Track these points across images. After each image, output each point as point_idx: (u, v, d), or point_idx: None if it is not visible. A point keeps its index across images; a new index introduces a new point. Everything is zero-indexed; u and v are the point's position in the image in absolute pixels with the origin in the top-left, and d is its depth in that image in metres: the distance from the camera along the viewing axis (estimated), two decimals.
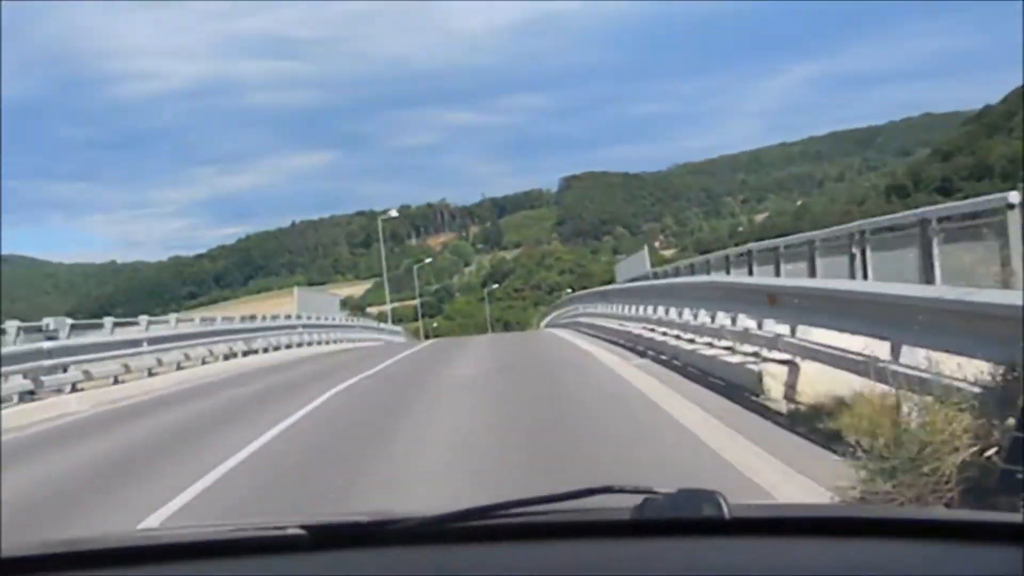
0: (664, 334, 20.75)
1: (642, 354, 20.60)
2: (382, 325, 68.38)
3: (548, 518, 1.86)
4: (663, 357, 18.91)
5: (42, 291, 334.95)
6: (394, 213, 69.01)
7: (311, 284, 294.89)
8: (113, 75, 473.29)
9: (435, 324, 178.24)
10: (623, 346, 23.84)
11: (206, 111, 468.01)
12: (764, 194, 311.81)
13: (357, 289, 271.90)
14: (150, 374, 23.63)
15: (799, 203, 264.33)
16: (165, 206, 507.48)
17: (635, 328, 24.61)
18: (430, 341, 53.98)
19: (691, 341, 18.09)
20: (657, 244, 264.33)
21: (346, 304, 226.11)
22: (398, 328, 78.45)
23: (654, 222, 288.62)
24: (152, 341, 24.07)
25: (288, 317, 40.62)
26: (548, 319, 69.54)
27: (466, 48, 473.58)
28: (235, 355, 30.41)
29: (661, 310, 22.28)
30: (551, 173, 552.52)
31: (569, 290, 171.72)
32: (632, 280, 40.58)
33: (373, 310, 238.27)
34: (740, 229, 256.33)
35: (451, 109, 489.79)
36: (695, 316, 18.57)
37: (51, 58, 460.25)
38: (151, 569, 1.72)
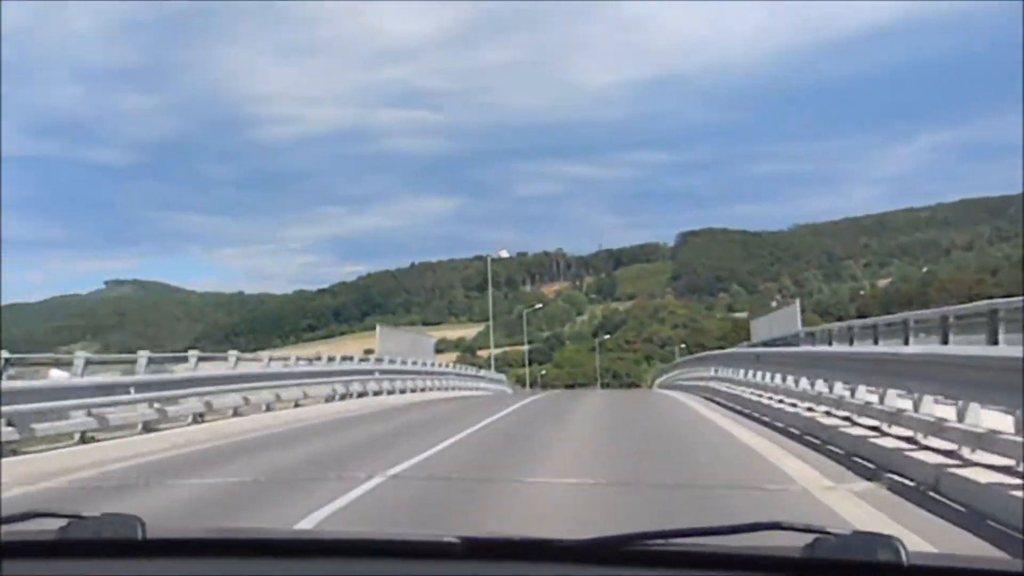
0: (849, 420, 15.12)
1: (817, 447, 14.60)
2: (482, 372, 66.60)
3: (712, 550, 1.79)
4: (838, 450, 13.80)
5: (174, 317, 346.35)
6: (505, 254, 67.12)
7: (425, 324, 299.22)
8: (258, 118, 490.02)
9: (543, 371, 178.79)
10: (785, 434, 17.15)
11: (341, 155, 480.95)
12: (887, 259, 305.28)
13: (470, 332, 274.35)
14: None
15: (925, 270, 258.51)
16: (295, 242, 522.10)
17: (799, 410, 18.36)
18: (534, 395, 47.75)
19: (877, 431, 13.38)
20: (774, 304, 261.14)
21: (458, 346, 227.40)
22: (501, 376, 76.36)
23: (771, 281, 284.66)
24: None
25: (367, 360, 38.18)
26: (663, 378, 64.57)
27: (591, 103, 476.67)
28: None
29: (837, 386, 16.71)
30: (668, 228, 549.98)
31: (683, 345, 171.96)
32: (774, 342, 36.56)
33: (483, 353, 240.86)
34: (862, 293, 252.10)
35: (573, 162, 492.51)
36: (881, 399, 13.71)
37: (201, 100, 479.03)
38: (304, 565, 1.77)
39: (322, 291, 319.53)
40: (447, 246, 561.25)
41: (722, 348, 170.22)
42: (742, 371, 26.99)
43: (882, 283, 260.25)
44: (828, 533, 1.69)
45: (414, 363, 41.62)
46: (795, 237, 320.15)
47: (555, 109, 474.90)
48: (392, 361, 38.66)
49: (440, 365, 57.26)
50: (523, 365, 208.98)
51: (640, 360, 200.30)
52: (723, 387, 29.01)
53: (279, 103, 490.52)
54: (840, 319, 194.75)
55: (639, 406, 30.32)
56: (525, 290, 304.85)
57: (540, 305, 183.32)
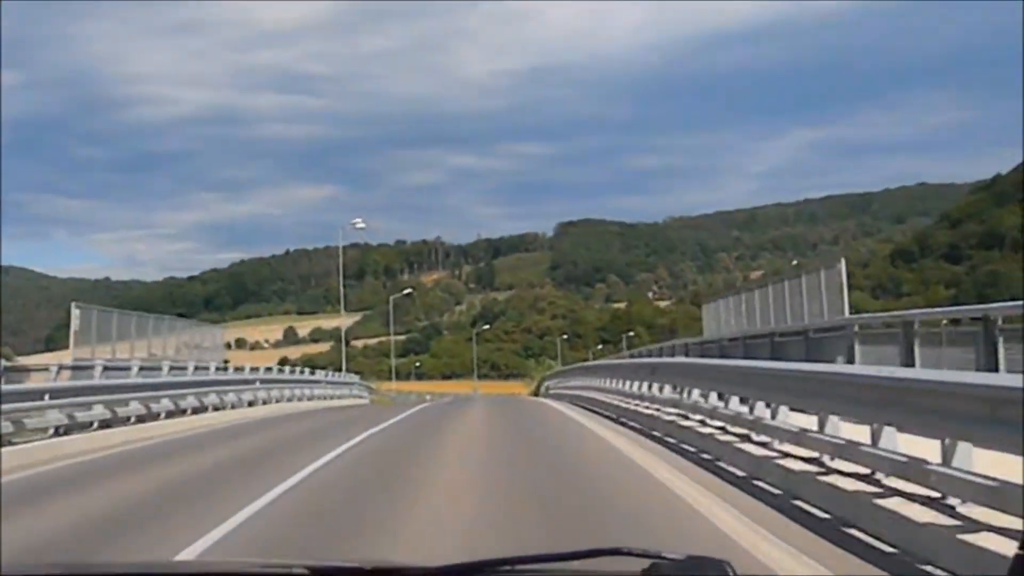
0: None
1: None
2: (330, 376, 51.83)
3: (556, 575, 1.83)
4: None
5: (34, 304, 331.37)
6: (361, 224, 58.20)
7: (300, 313, 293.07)
8: (129, 99, 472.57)
9: (418, 363, 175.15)
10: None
11: (214, 139, 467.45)
12: (758, 252, 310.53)
13: (346, 320, 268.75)
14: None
15: (794, 263, 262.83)
16: (166, 228, 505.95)
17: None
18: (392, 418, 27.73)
19: None
20: (651, 295, 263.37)
21: (333, 336, 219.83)
22: (353, 378, 60.05)
23: (647, 272, 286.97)
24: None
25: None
26: (550, 383, 52.90)
27: (472, 92, 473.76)
28: None
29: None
30: (548, 219, 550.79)
31: (564, 337, 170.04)
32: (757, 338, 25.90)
33: (358, 343, 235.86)
34: (736, 285, 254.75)
35: (454, 151, 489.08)
36: None
37: (68, 78, 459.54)
38: None
39: (192, 278, 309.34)
40: (325, 235, 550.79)
41: (602, 339, 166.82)
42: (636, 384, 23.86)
43: (754, 275, 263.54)
44: (664, 558, 1.74)
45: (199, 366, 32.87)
46: (670, 229, 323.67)
47: (436, 98, 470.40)
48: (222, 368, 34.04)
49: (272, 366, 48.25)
50: (403, 355, 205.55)
51: (519, 351, 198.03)
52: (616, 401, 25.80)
53: (151, 83, 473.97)
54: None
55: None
56: (403, 279, 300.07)
57: (410, 290, 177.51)
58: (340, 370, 60.24)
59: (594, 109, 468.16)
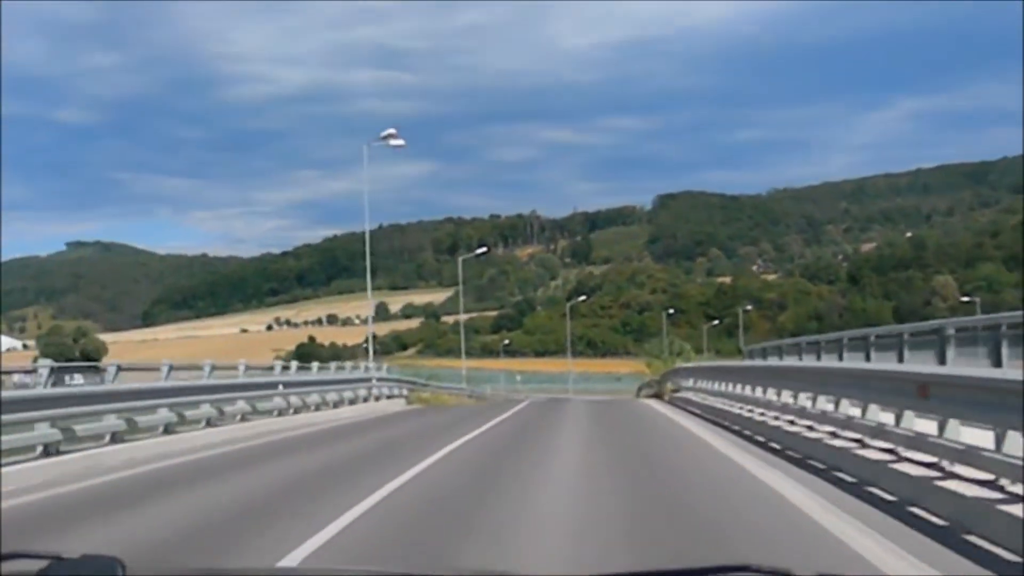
0: None
1: None
2: (347, 368, 34.39)
3: None
4: None
5: (132, 280, 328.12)
6: (396, 140, 41.71)
7: (393, 288, 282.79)
8: (226, 78, 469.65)
9: (506, 341, 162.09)
10: None
11: (312, 117, 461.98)
12: (868, 224, 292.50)
13: (438, 296, 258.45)
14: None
15: (908, 235, 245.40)
16: (264, 206, 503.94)
17: None
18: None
19: None
20: (755, 268, 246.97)
21: (426, 312, 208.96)
22: (389, 374, 39.70)
23: (751, 246, 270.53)
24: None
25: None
26: (684, 382, 35.88)
27: (568, 66, 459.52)
28: None
29: None
30: (645, 194, 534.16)
31: (670, 311, 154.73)
32: None
33: (449, 319, 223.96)
34: (840, 257, 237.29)
35: (550, 126, 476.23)
36: None
37: (168, 58, 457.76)
38: None
39: (286, 254, 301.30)
40: (419, 210, 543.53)
41: (706, 315, 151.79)
42: None
43: (865, 247, 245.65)
44: (793, 574, 1.68)
45: None
46: (774, 202, 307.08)
47: (531, 72, 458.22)
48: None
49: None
50: (491, 332, 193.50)
51: (616, 327, 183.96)
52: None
53: (248, 62, 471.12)
54: (831, 283, 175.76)
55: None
56: (498, 253, 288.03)
57: (483, 249, 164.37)
58: (371, 354, 43.33)
59: (690, 82, 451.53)
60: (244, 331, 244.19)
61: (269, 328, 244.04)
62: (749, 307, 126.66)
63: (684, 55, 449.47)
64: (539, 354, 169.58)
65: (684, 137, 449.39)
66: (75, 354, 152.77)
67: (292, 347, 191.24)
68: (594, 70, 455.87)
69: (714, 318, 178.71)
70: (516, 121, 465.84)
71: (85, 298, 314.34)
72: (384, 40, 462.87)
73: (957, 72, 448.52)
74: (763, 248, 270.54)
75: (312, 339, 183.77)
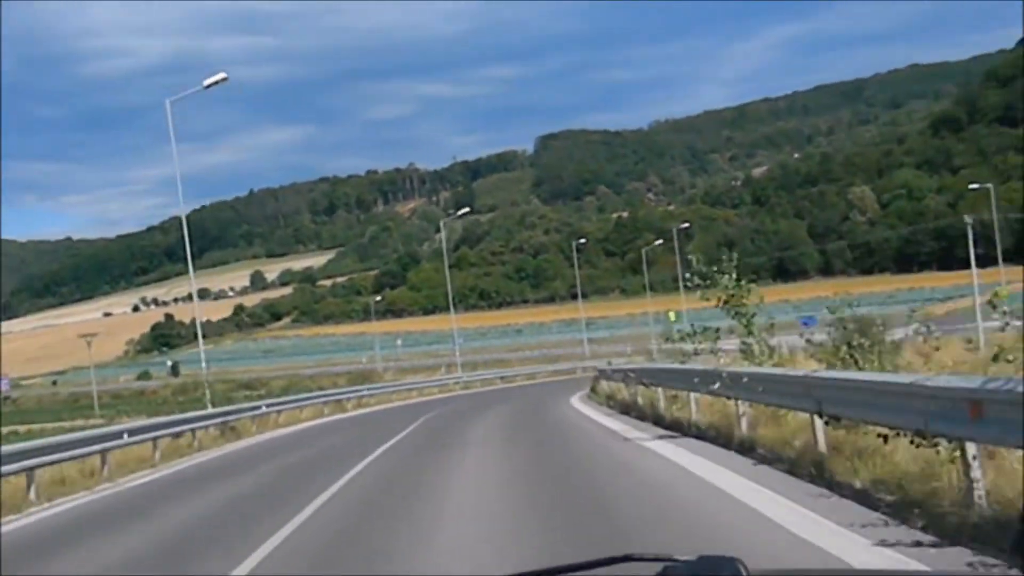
0: None
1: None
2: None
3: None
4: None
5: None
6: (217, 78, 17.21)
7: (269, 256, 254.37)
8: (84, 53, 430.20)
9: (378, 298, 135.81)
10: None
11: (177, 88, 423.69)
12: (752, 150, 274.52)
13: (319, 260, 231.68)
14: None
15: (796, 156, 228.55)
16: (139, 184, 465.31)
17: None
18: None
19: None
20: (648, 201, 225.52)
21: (306, 278, 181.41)
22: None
23: (638, 181, 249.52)
24: None
25: None
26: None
27: (438, 18, 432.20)
28: None
29: None
30: (527, 142, 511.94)
31: (581, 242, 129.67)
32: None
33: (327, 282, 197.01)
34: (738, 183, 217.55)
35: (424, 80, 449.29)
36: None
37: (22, 37, 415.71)
38: None
39: (151, 229, 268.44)
40: (295, 175, 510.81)
41: (607, 250, 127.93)
42: None
43: (757, 172, 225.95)
44: (676, 560, 1.68)
45: None
46: (656, 135, 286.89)
47: (400, 26, 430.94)
48: None
49: None
50: (373, 291, 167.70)
51: (510, 274, 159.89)
52: None
53: (104, 36, 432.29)
54: (735, 207, 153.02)
55: None
56: (378, 211, 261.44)
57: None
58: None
59: (561, 26, 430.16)
60: (107, 315, 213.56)
61: (136, 309, 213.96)
62: (659, 240, 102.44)
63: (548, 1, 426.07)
64: (427, 312, 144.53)
65: (561, 81, 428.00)
66: None
67: (148, 329, 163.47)
68: (463, 20, 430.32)
69: (614, 254, 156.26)
70: (389, 78, 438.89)
71: None
72: (244, 5, 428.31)
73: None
74: (651, 182, 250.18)
75: (169, 317, 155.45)
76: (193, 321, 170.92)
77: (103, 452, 14.51)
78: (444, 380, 43.74)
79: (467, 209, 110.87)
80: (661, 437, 11.98)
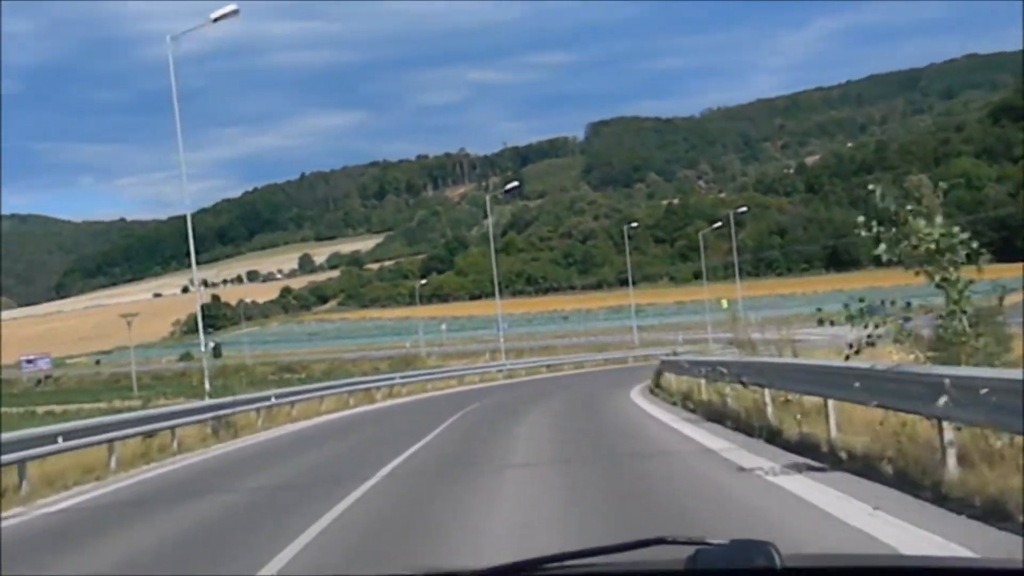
0: None
1: None
2: None
3: (602, 569, 1.75)
4: None
5: (46, 250, 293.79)
6: (231, 7, 13.04)
7: (319, 239, 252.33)
8: (140, 36, 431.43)
9: (423, 281, 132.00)
10: None
11: (231, 72, 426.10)
12: (804, 139, 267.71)
13: (367, 244, 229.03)
14: None
15: (849, 145, 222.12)
16: (192, 167, 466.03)
17: None
18: None
19: None
20: (698, 190, 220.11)
21: (354, 261, 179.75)
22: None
23: (689, 168, 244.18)
24: None
25: None
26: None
27: (489, 5, 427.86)
28: None
29: None
30: (577, 129, 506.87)
31: (632, 226, 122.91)
32: None
33: (374, 266, 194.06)
34: (791, 171, 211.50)
35: (474, 67, 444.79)
36: None
37: (79, 21, 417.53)
38: None
39: (203, 211, 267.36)
40: (344, 159, 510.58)
41: (656, 236, 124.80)
42: None
43: (810, 160, 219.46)
44: (708, 544, 1.66)
45: None
46: (708, 122, 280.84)
47: (452, 12, 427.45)
48: None
49: None
50: (420, 276, 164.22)
51: (558, 260, 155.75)
52: None
53: (160, 19, 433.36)
54: (787, 195, 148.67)
55: None
56: (427, 195, 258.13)
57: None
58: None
59: (612, 14, 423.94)
60: (158, 295, 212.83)
61: (185, 290, 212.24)
62: (719, 223, 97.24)
63: None
64: (473, 297, 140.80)
65: (611, 69, 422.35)
66: None
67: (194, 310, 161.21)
68: (513, 7, 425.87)
69: (663, 240, 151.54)
70: (441, 64, 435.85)
71: None
72: None
73: None
74: (702, 169, 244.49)
75: (216, 298, 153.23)
76: (240, 303, 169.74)
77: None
78: (487, 367, 39.97)
79: (516, 183, 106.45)
80: (796, 468, 7.91)
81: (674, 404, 15.84)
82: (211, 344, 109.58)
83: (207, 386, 21.43)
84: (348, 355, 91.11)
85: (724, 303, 74.35)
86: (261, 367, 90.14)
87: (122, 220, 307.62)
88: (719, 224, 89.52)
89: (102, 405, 54.74)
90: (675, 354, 22.55)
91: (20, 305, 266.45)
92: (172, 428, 15.05)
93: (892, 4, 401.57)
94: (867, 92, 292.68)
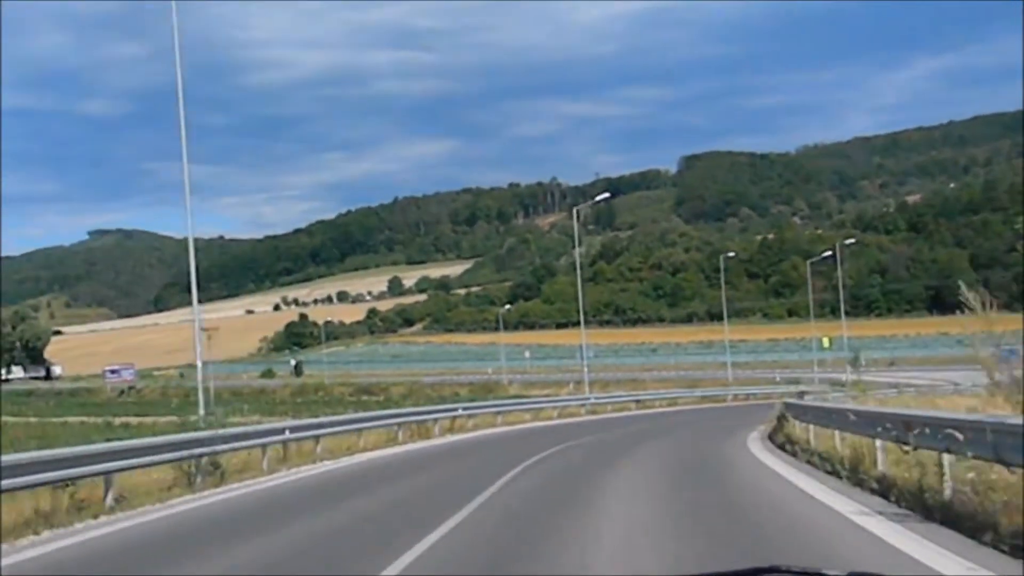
0: None
1: None
2: None
3: None
4: None
5: (147, 265, 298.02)
6: None
7: (409, 263, 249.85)
8: (248, 63, 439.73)
9: (508, 307, 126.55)
10: None
11: (334, 99, 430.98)
12: (904, 178, 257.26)
13: (455, 269, 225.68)
14: None
15: (952, 186, 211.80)
16: (292, 190, 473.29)
17: None
18: None
19: None
20: (794, 224, 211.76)
21: (441, 285, 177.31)
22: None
23: (784, 204, 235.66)
24: None
25: None
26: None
27: (585, 38, 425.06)
28: None
29: None
30: (669, 163, 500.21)
31: (729, 256, 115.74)
32: None
33: (462, 291, 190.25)
34: (890, 208, 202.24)
35: (569, 100, 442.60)
36: None
37: (190, 47, 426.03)
38: None
39: (297, 231, 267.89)
40: (436, 185, 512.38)
41: (749, 271, 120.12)
42: None
43: (911, 199, 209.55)
44: (824, 574, 1.57)
45: None
46: (804, 159, 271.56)
47: (549, 46, 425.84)
48: None
49: None
50: (507, 302, 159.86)
51: (647, 291, 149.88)
52: None
53: (269, 47, 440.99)
54: (888, 233, 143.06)
55: None
56: (517, 223, 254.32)
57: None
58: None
59: (708, 50, 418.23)
60: (250, 312, 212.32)
61: (276, 308, 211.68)
62: (827, 251, 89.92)
63: (700, 23, 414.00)
64: (560, 325, 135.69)
65: (705, 105, 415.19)
66: (14, 343, 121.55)
67: (282, 328, 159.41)
68: (610, 41, 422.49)
69: (756, 275, 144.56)
70: (535, 96, 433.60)
71: (99, 285, 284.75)
72: (402, 19, 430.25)
73: (974, 27, 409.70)
74: (797, 206, 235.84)
75: (304, 317, 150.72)
76: (327, 322, 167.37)
77: None
78: (568, 401, 34.84)
79: (607, 194, 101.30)
80: None
81: (815, 467, 10.79)
82: (292, 361, 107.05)
83: (201, 410, 16.99)
84: (428, 379, 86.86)
85: (826, 341, 68.91)
86: (339, 387, 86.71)
87: (220, 238, 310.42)
88: (828, 253, 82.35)
89: (173, 419, 51.70)
90: (800, 396, 17.42)
91: (120, 317, 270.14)
92: (131, 469, 10.59)
93: (996, 46, 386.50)
94: (970, 133, 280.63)
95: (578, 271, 42.93)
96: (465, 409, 25.19)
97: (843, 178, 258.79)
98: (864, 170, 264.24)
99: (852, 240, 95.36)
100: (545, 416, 29.73)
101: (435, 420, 23.14)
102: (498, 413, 27.19)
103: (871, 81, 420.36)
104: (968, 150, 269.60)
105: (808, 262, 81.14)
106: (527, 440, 20.14)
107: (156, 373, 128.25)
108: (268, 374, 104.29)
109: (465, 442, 21.22)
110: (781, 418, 17.00)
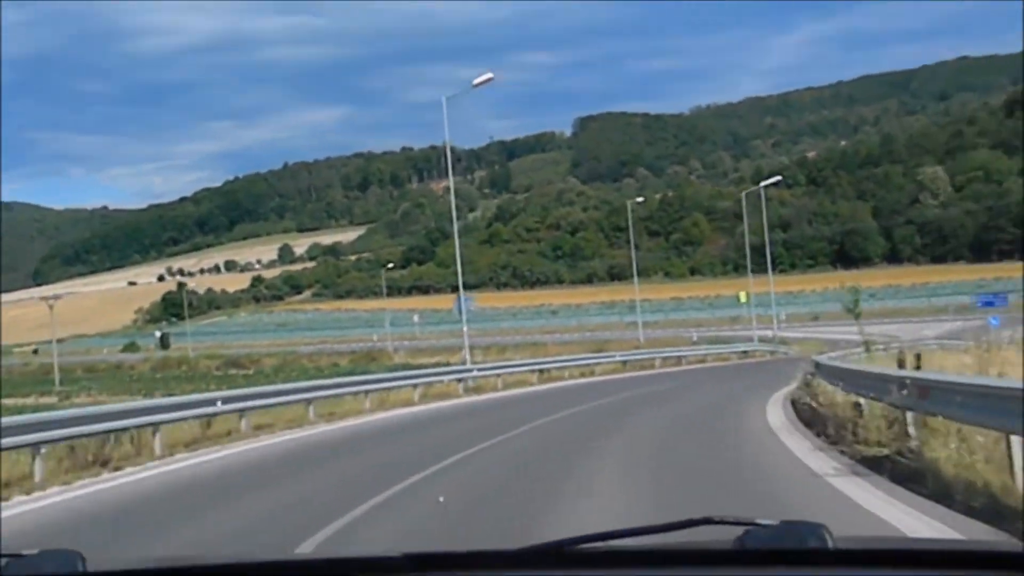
0: None
1: None
2: None
3: (648, 548, 1.65)
4: None
5: (28, 237, 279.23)
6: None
7: (300, 230, 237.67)
8: (131, 29, 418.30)
9: (390, 265, 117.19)
10: None
11: (221, 66, 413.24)
12: (796, 137, 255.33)
13: (348, 235, 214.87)
14: None
15: (843, 143, 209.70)
16: (183, 159, 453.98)
17: None
18: None
19: None
20: (694, 182, 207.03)
21: (331, 251, 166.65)
22: None
23: (679, 164, 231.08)
24: None
25: None
26: None
27: (479, 5, 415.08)
28: None
29: None
30: (564, 126, 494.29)
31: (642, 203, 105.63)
32: None
33: (353, 257, 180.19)
34: (784, 164, 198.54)
35: (462, 65, 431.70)
36: None
37: (71, 12, 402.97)
38: None
39: (183, 199, 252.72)
40: (328, 151, 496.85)
41: (650, 229, 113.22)
42: None
43: (811, 154, 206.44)
44: (758, 524, 1.55)
45: None
46: (697, 120, 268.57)
47: (441, 12, 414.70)
48: None
49: None
50: (401, 266, 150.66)
51: (545, 252, 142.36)
52: None
53: (152, 12, 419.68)
54: (790, 187, 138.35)
55: None
56: (411, 187, 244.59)
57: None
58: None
59: (600, 15, 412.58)
60: (132, 284, 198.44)
61: (161, 279, 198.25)
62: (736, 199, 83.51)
63: None
64: (455, 289, 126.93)
65: (599, 69, 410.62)
66: None
67: (160, 299, 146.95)
68: (504, 6, 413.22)
69: (657, 233, 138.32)
70: (430, 61, 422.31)
71: None
72: None
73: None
74: (692, 166, 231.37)
75: (182, 286, 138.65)
76: (208, 291, 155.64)
77: None
78: (441, 376, 25.51)
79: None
80: None
81: None
82: (157, 334, 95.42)
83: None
84: (307, 348, 77.56)
85: (743, 296, 62.69)
86: (206, 360, 76.62)
87: (104, 208, 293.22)
88: (747, 192, 74.43)
89: (16, 401, 42.40)
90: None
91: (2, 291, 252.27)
92: None
93: (882, 6, 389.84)
94: (858, 93, 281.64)
95: (452, 208, 33.71)
96: (257, 401, 15.95)
97: (736, 138, 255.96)
98: (757, 130, 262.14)
99: (778, 177, 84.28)
100: (392, 403, 20.56)
101: (228, 412, 14.15)
102: (334, 396, 18.32)
103: (761, 44, 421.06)
104: (857, 109, 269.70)
105: (739, 199, 73.63)
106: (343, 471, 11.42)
107: (16, 350, 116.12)
108: (131, 347, 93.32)
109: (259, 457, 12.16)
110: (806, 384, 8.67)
